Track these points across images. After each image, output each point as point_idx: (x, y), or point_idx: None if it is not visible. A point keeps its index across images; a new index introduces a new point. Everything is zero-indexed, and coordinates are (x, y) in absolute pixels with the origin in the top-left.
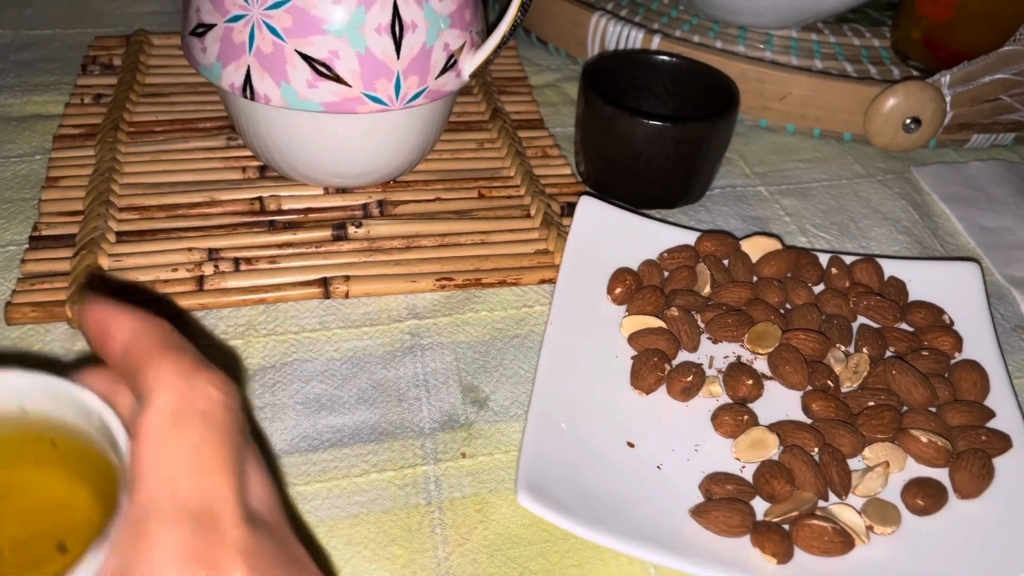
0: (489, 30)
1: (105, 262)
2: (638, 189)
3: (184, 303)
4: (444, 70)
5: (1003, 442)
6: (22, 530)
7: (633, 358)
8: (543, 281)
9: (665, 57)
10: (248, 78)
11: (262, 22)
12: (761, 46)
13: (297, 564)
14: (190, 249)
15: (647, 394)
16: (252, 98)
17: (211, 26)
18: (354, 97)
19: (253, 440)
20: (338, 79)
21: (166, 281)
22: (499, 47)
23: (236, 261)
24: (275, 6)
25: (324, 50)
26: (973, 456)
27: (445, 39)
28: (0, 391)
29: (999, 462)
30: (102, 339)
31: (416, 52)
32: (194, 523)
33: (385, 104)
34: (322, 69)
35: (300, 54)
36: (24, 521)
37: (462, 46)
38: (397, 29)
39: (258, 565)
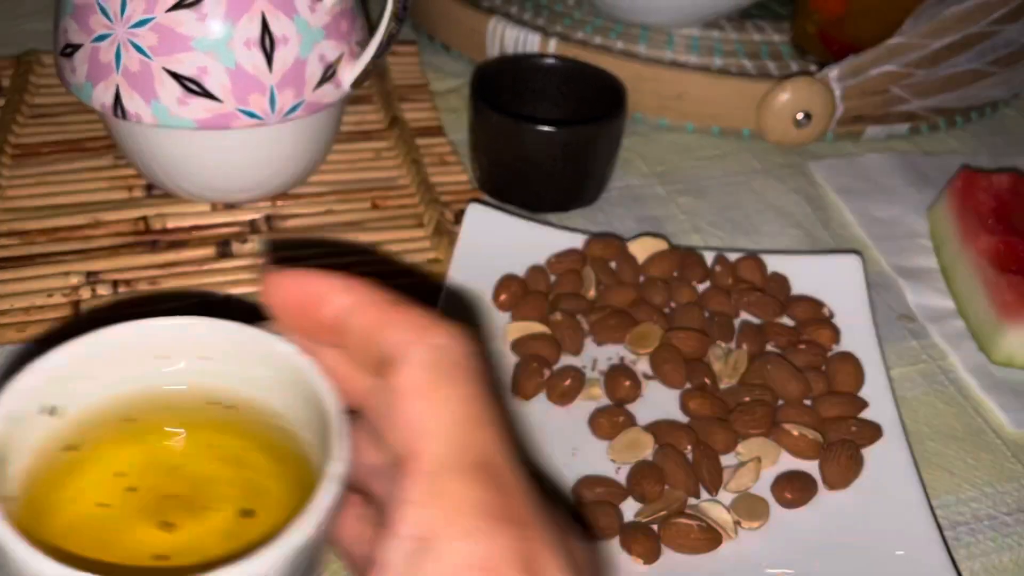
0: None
1: None
2: (532, 193)
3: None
4: (322, 81)
5: (873, 432)
6: (200, 495)
7: (514, 365)
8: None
9: (555, 60)
10: (118, 97)
11: (128, 41)
12: (663, 45)
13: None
14: (67, 273)
15: (527, 400)
16: (124, 117)
17: (78, 46)
18: (227, 112)
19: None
20: (209, 95)
21: (41, 307)
22: (377, 57)
23: (115, 284)
24: (140, 24)
25: (192, 67)
26: (842, 447)
27: (320, 51)
28: (180, 341)
29: (869, 452)
30: (311, 307)
31: (289, 65)
32: (486, 477)
33: (260, 118)
34: (191, 86)
35: (168, 71)
36: (202, 485)
37: (340, 56)
38: (267, 43)
39: (540, 512)
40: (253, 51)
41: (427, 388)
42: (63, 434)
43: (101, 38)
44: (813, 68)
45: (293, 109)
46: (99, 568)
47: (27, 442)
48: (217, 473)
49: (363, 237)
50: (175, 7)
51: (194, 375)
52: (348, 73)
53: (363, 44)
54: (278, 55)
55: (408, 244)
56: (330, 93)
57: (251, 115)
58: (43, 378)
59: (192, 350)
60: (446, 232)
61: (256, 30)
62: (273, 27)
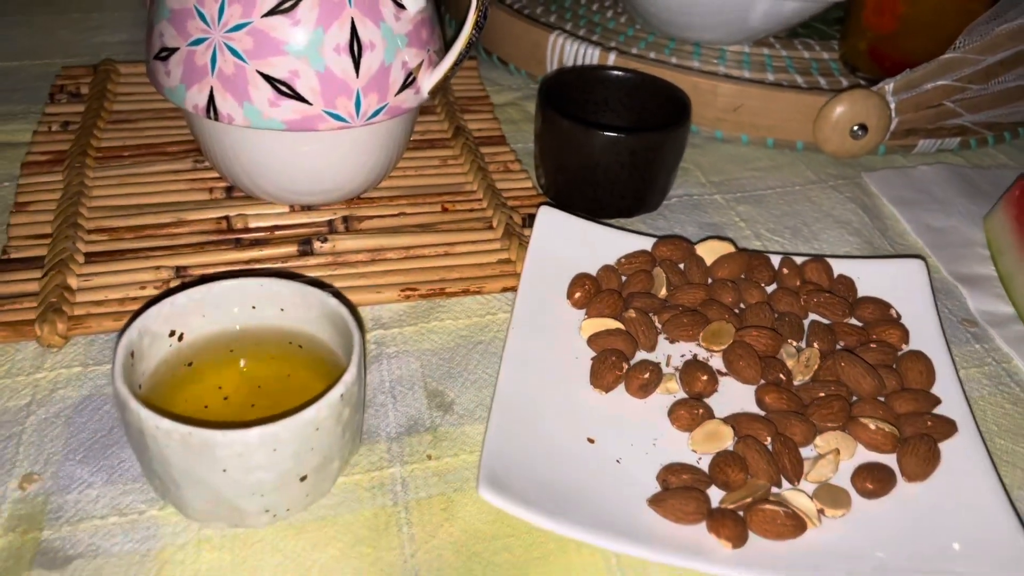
0: (447, 47)
1: (74, 282)
2: (597, 199)
3: None
4: (403, 87)
5: (948, 427)
6: (274, 406)
7: (592, 358)
8: (505, 289)
9: (619, 72)
10: (211, 99)
11: (224, 44)
12: (715, 61)
13: None
14: (158, 267)
15: (606, 392)
16: (216, 118)
17: (174, 50)
18: (315, 115)
19: None
20: (299, 97)
21: (135, 299)
22: (456, 64)
23: (203, 278)
24: (236, 28)
25: (285, 70)
26: (920, 441)
27: (403, 57)
28: (266, 295)
29: (944, 446)
30: None
31: (375, 70)
32: None
33: (346, 121)
34: (283, 88)
35: (261, 74)
36: (275, 400)
37: (420, 64)
38: (355, 48)
39: None
40: (342, 56)
41: None
42: (183, 354)
43: (198, 42)
44: (863, 83)
45: (376, 113)
46: (195, 423)
47: (155, 353)
48: (287, 393)
49: (436, 238)
50: (271, 12)
51: (275, 320)
52: (427, 80)
53: (439, 52)
54: (365, 60)
55: (480, 246)
56: (410, 99)
57: (337, 118)
58: (170, 311)
59: (274, 302)
60: (515, 234)
61: (346, 36)
62: (361, 33)
